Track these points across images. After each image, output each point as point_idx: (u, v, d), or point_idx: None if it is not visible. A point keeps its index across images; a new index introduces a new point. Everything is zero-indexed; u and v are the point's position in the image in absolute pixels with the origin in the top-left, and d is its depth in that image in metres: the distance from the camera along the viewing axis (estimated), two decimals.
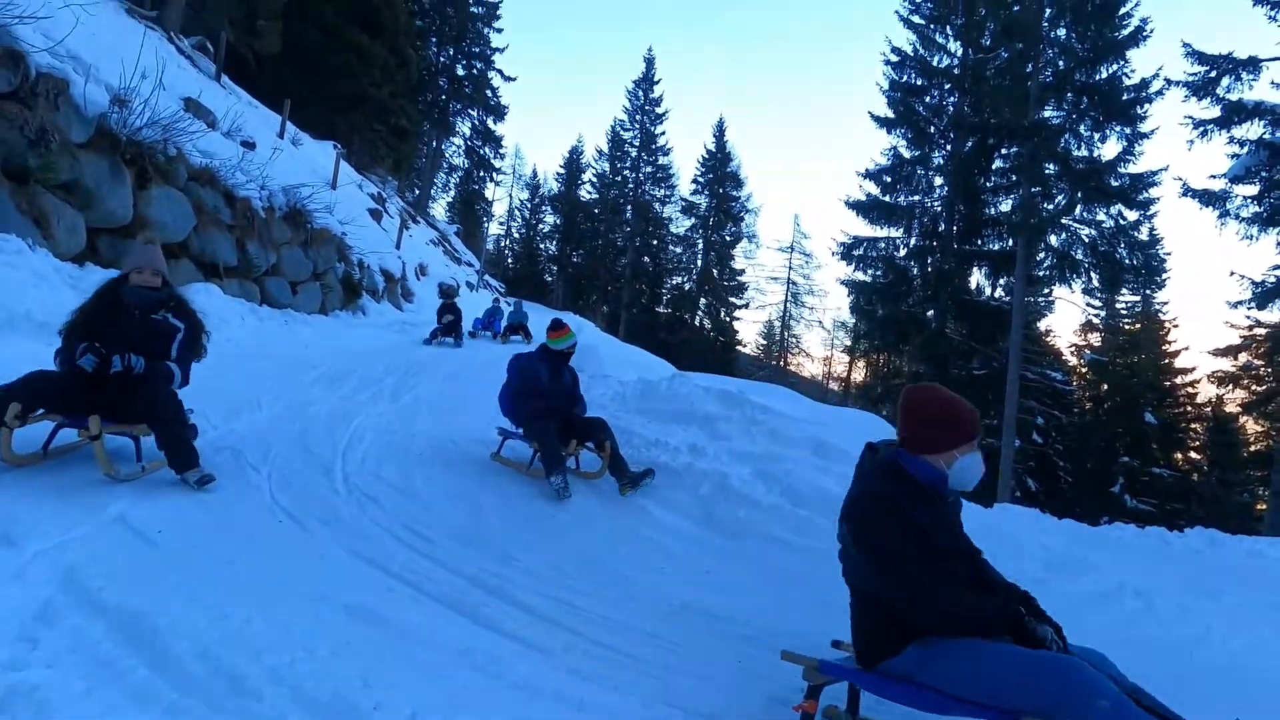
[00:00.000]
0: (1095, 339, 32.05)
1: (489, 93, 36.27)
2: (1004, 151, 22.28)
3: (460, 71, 35.37)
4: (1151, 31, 19.14)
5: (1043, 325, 27.67)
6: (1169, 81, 17.69)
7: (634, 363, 13.33)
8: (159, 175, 7.93)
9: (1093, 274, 20.87)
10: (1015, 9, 21.06)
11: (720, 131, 44.94)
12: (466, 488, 4.82)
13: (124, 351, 3.74)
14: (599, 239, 46.04)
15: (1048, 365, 26.17)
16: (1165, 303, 31.42)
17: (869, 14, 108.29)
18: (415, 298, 16.65)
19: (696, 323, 43.99)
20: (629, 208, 45.04)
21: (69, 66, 6.74)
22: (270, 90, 17.42)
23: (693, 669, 2.78)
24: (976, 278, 23.74)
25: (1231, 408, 26.26)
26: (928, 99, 24.33)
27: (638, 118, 44.79)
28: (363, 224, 14.77)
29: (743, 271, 45.68)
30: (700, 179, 44.78)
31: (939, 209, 23.80)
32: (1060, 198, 20.47)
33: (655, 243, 45.37)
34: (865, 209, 24.00)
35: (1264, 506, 19.93)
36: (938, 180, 23.96)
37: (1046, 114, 20.53)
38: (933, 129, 24.08)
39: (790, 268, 47.45)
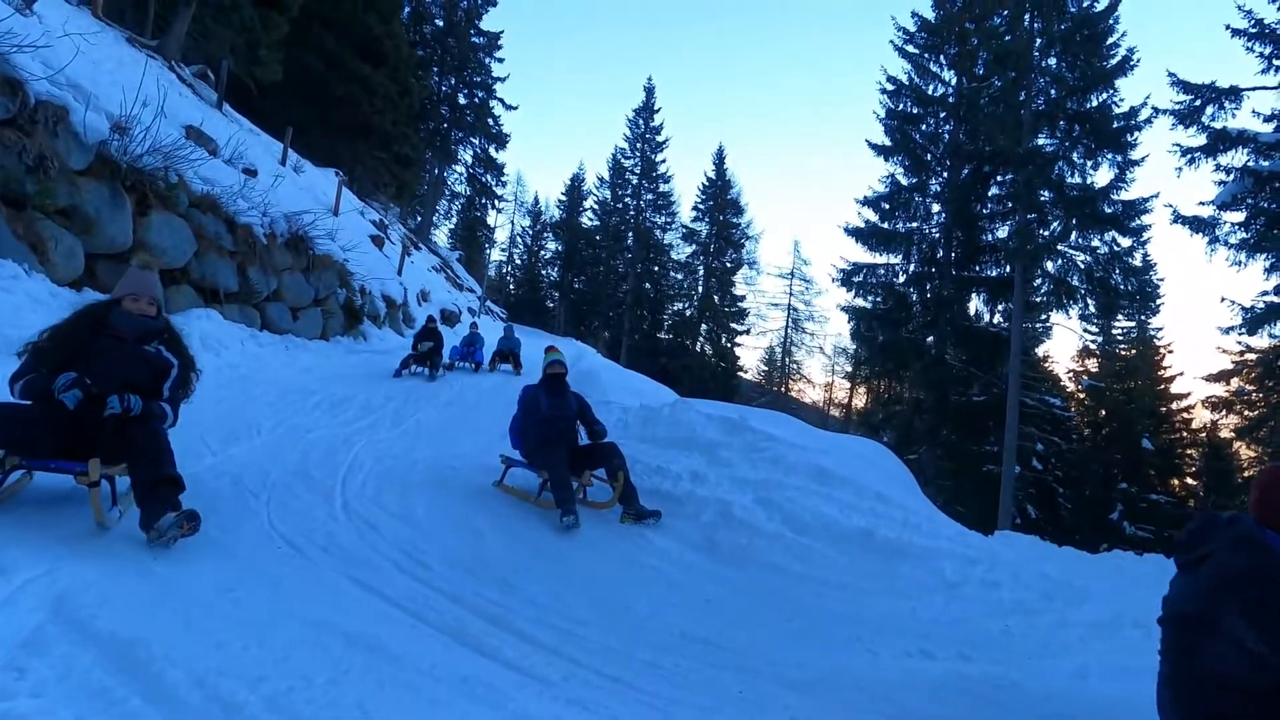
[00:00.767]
0: (1093, 365, 32.08)
1: (490, 121, 36.60)
2: (999, 178, 22.52)
3: (462, 100, 35.73)
4: (1138, 61, 19.50)
5: (1041, 351, 27.72)
6: (1156, 110, 17.95)
7: (635, 389, 13.31)
8: (160, 202, 7.98)
9: (1089, 300, 21.00)
10: (1007, 39, 21.40)
11: (720, 159, 45.35)
12: (466, 515, 4.80)
13: (115, 387, 3.32)
14: (600, 265, 46.24)
15: (1046, 391, 26.19)
16: (1160, 328, 31.58)
17: (865, 43, 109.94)
18: (416, 323, 16.67)
19: (698, 349, 44.01)
20: (630, 234, 45.29)
21: (69, 94, 6.81)
22: (272, 118, 17.59)
23: (693, 699, 2.75)
24: (975, 304, 23.86)
25: (1226, 433, 26.22)
26: (924, 127, 24.58)
27: (638, 146, 45.20)
28: (365, 250, 14.83)
29: (743, 298, 45.82)
30: (701, 206, 45.09)
31: (937, 235, 23.95)
32: (1055, 224, 20.65)
33: (656, 269, 45.56)
34: (864, 236, 24.14)
35: None
36: (935, 207, 24.14)
37: (1040, 142, 20.79)
38: (929, 156, 24.31)
39: (791, 294, 47.63)
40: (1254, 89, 16.12)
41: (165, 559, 2.98)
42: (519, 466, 5.55)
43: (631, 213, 45.35)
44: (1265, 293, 16.94)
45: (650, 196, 45.34)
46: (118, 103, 7.54)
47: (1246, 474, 26.25)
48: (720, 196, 44.72)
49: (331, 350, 11.19)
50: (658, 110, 45.06)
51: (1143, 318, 30.13)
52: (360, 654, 2.41)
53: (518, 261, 54.50)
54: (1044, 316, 23.17)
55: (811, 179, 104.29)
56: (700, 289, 45.13)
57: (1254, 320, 16.80)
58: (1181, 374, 31.78)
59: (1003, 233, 22.71)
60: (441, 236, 41.56)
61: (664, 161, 45.34)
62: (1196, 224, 16.56)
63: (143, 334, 3.60)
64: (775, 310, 47.91)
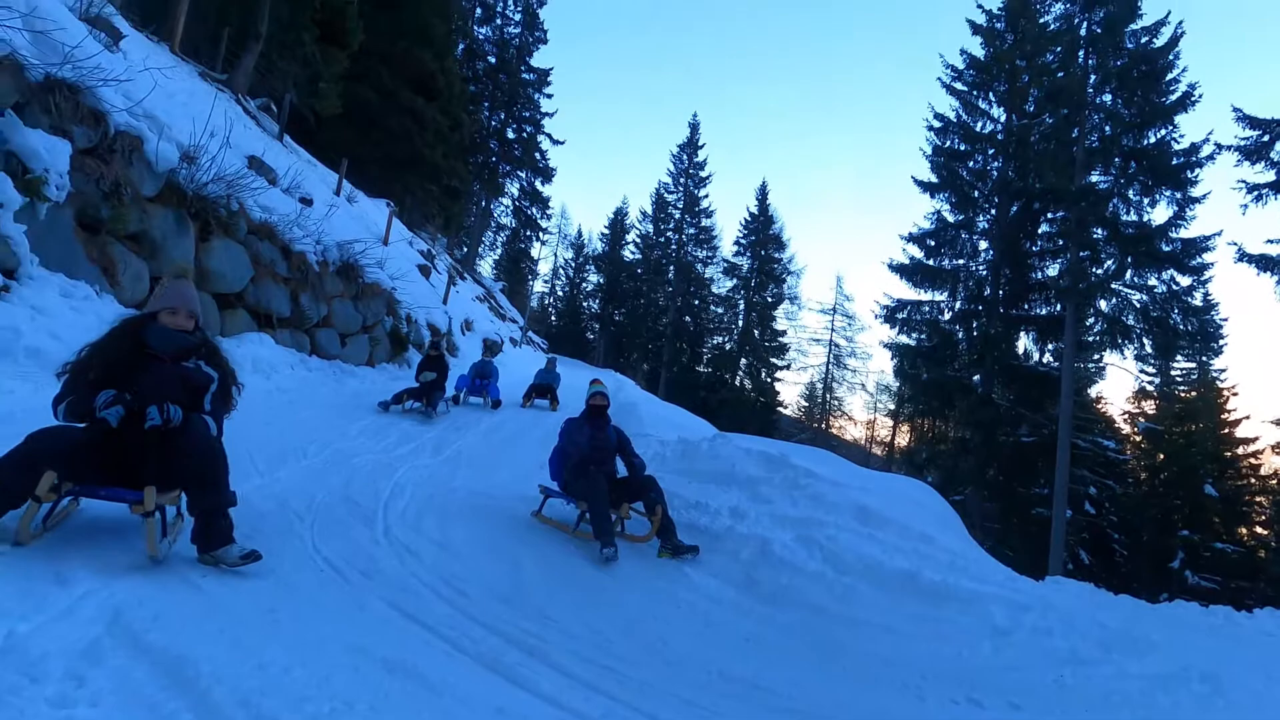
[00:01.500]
0: (1150, 407, 31.05)
1: (537, 155, 37.39)
2: (1050, 215, 22.15)
3: (510, 135, 36.61)
4: (1200, 96, 19.10)
5: (1093, 392, 27.00)
6: (1220, 146, 17.56)
7: (674, 422, 13.27)
8: (221, 228, 8.29)
9: (1145, 340, 20.42)
10: (1059, 75, 21.18)
11: (763, 194, 45.59)
12: (505, 544, 4.81)
13: (158, 402, 3.17)
14: (641, 298, 46.58)
15: (1100, 433, 25.38)
16: (1223, 370, 30.50)
17: (912, 80, 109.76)
18: (460, 352, 16.91)
19: (737, 383, 43.82)
20: (671, 268, 45.61)
21: (144, 125, 7.16)
22: (329, 149, 18.23)
23: None
24: (1024, 342, 23.38)
25: None
26: (971, 163, 24.38)
27: (681, 180, 45.70)
28: (412, 279, 15.16)
29: (784, 332, 45.66)
30: (743, 240, 45.28)
31: (984, 273, 23.60)
32: (1110, 262, 20.18)
33: (697, 302, 45.71)
34: (909, 272, 23.92)
35: None
36: (982, 244, 23.84)
37: (1093, 179, 20.42)
38: (977, 193, 24.06)
39: (832, 329, 47.29)
40: None
41: (214, 576, 3.04)
42: (556, 497, 5.56)
43: (673, 246, 45.72)
44: None
45: (692, 231, 45.70)
46: (188, 133, 7.89)
47: None
48: (762, 231, 44.83)
49: (377, 376, 11.39)
50: (702, 146, 45.65)
51: (1204, 359, 29.17)
52: (399, 680, 2.41)
53: (559, 293, 55.22)
54: (1097, 356, 22.61)
55: (855, 215, 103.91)
56: (740, 323, 45.11)
57: None
58: (1248, 417, 30.50)
59: (1053, 270, 22.33)
60: (486, 267, 42.37)
61: (706, 196, 45.82)
62: (1264, 262, 16.05)
63: (180, 351, 3.43)
64: (816, 346, 47.62)
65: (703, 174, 45.51)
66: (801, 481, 6.44)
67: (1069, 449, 19.64)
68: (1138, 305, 20.05)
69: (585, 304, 52.08)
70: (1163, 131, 19.54)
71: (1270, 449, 24.18)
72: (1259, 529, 27.55)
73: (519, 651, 3.09)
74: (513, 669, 2.87)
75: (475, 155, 33.44)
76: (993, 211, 23.66)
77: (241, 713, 1.98)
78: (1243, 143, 16.22)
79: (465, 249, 36.05)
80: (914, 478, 11.99)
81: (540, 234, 44.08)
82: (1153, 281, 19.79)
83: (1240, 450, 28.32)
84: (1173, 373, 30.63)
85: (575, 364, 31.18)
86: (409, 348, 13.62)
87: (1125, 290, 20.10)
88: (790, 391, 56.97)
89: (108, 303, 6.38)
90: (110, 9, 8.98)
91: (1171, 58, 19.49)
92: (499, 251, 45.97)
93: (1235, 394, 29.93)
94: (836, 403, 49.17)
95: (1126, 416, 31.57)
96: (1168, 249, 19.23)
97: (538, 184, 38.80)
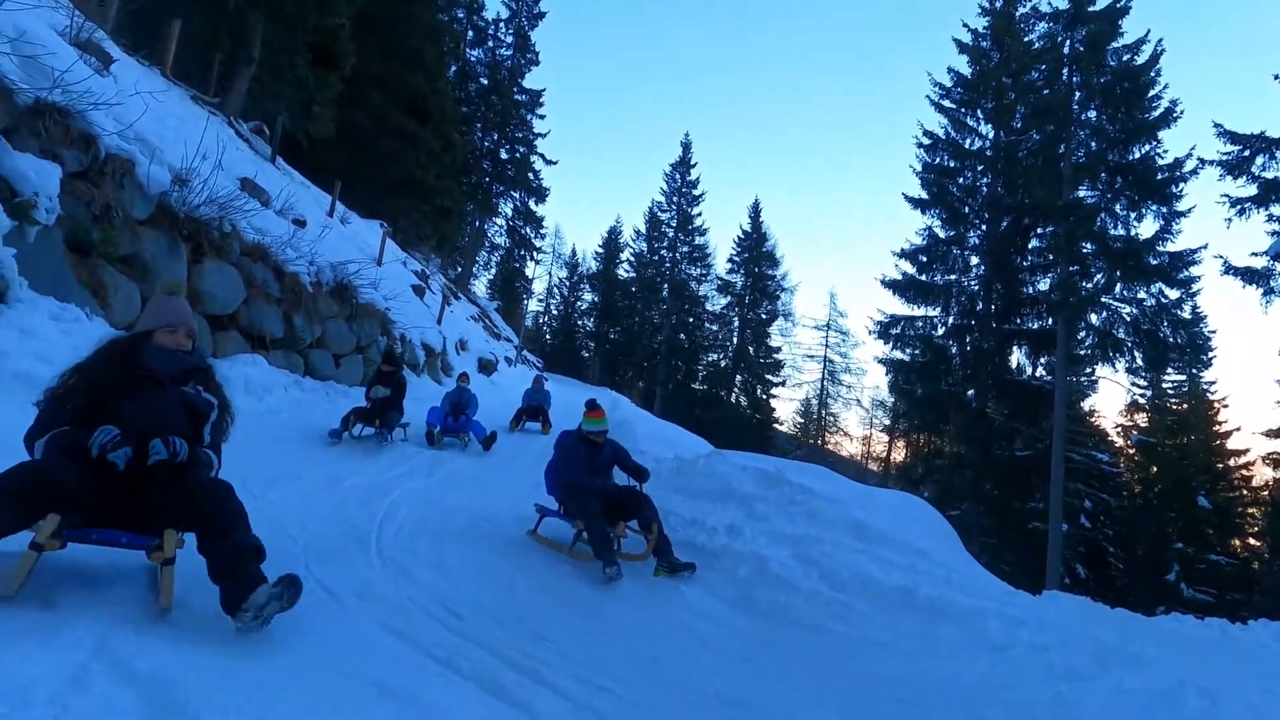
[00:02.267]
0: (1142, 419, 31.14)
1: (531, 175, 37.53)
2: (1040, 231, 22.35)
3: (504, 155, 36.75)
4: (1182, 112, 19.41)
5: (1086, 405, 27.04)
6: (1202, 161, 17.81)
7: (669, 439, 13.25)
8: (213, 250, 8.29)
9: (1136, 353, 20.56)
10: (1045, 93, 21.46)
11: (756, 212, 45.85)
12: (499, 565, 4.78)
13: (160, 433, 2.83)
14: (636, 316, 46.65)
15: (1093, 446, 25.44)
16: (1213, 382, 30.63)
17: (900, 98, 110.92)
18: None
19: (732, 400, 43.83)
20: (666, 286, 45.73)
21: (136, 148, 7.17)
22: (322, 171, 18.28)
23: None
24: (1017, 357, 23.53)
25: None
26: (961, 180, 24.63)
27: (675, 199, 45.96)
28: (406, 300, 15.16)
29: (779, 349, 45.77)
30: (736, 258, 45.47)
31: (976, 288, 23.75)
32: (1099, 276, 20.35)
33: (691, 320, 45.81)
34: (902, 288, 24.06)
35: None
36: (974, 259, 24.04)
37: (1081, 194, 20.64)
38: (967, 209, 24.28)
39: (827, 346, 47.45)
40: None
41: (201, 594, 2.98)
42: (552, 516, 5.53)
43: (667, 265, 45.89)
44: None
45: (686, 249, 45.91)
46: (179, 156, 7.91)
47: None
48: (756, 249, 45.07)
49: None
50: (694, 164, 45.93)
51: (1194, 371, 29.29)
52: (391, 703, 2.39)
53: (554, 312, 55.29)
54: (1089, 370, 22.73)
55: (848, 231, 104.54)
56: (735, 340, 45.22)
57: None
58: (1239, 429, 30.62)
59: (1044, 285, 22.50)
60: (480, 287, 42.37)
61: (700, 214, 46.11)
62: (1249, 275, 16.24)
63: (181, 373, 3.06)
64: (811, 362, 47.74)
65: (695, 192, 45.80)
66: (798, 498, 6.43)
67: (1063, 463, 19.69)
68: (1128, 318, 20.20)
69: (580, 323, 52.13)
70: (1147, 147, 19.83)
71: (1261, 460, 24.28)
72: (1252, 540, 27.60)
73: (514, 672, 3.06)
74: (507, 690, 2.84)
75: (468, 176, 33.56)
76: (983, 227, 23.86)
77: None
78: (1225, 157, 16.46)
79: (459, 269, 36.06)
80: (910, 493, 11.98)
81: (534, 253, 44.17)
82: (1142, 295, 19.98)
83: (1232, 462, 28.43)
84: (1164, 385, 30.75)
85: (571, 382, 31.12)
86: (404, 368, 13.59)
87: (1115, 304, 20.29)
88: (786, 408, 56.99)
89: (99, 325, 6.35)
90: (101, 34, 9.03)
91: (1153, 74, 19.81)
92: (493, 271, 46.04)
93: (1225, 406, 30.17)
94: (832, 419, 49.30)
95: (1119, 429, 31.69)
96: (1155, 262, 19.43)
97: (531, 204, 38.92)
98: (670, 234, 46.01)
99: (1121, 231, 20.21)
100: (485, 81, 35.85)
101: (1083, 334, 20.78)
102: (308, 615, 3.21)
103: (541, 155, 37.55)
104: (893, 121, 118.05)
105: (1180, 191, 19.26)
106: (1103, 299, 20.13)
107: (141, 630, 2.53)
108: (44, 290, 6.02)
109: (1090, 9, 20.79)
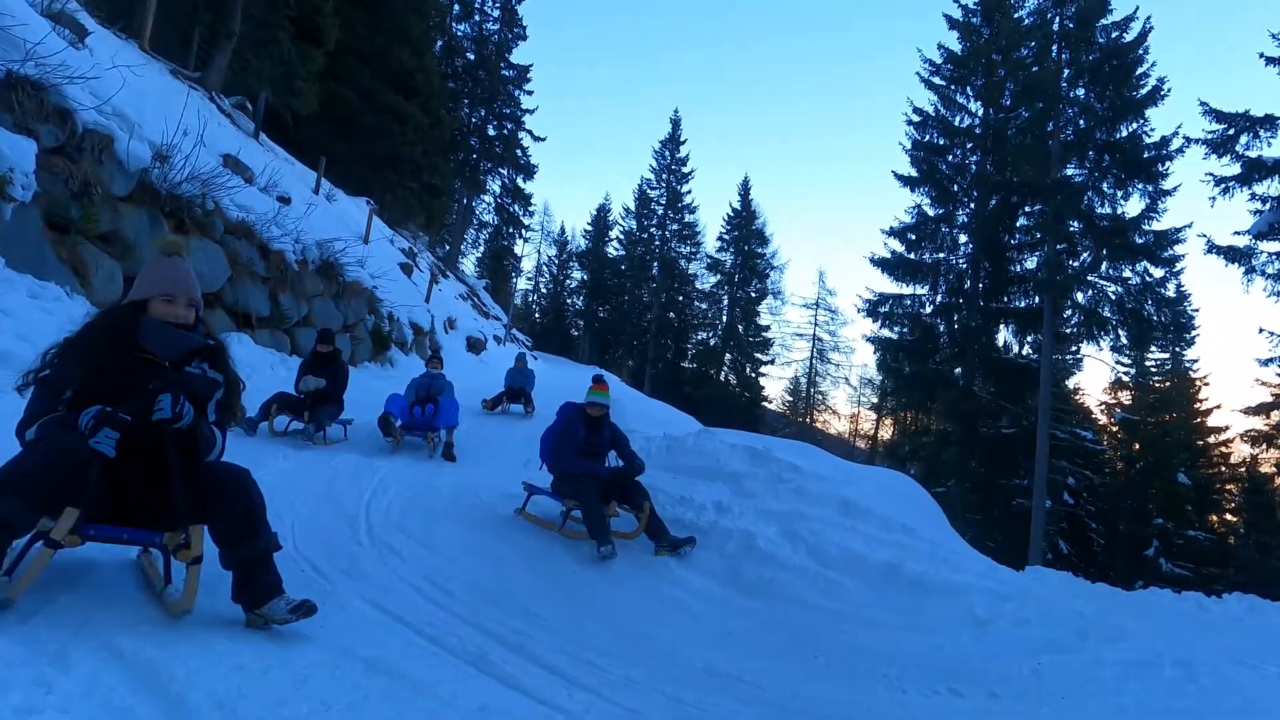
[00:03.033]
0: (1125, 397, 31.46)
1: (519, 152, 37.20)
2: (1027, 209, 22.38)
3: (491, 132, 36.38)
4: (1169, 91, 19.41)
5: (1071, 383, 27.31)
6: (1188, 139, 17.85)
7: (659, 418, 13.29)
8: (196, 227, 8.18)
9: (1120, 331, 20.72)
10: (1034, 70, 21.40)
11: (745, 190, 45.74)
12: (488, 542, 4.79)
13: (173, 396, 2.50)
14: (625, 295, 46.59)
15: (1078, 424, 25.72)
16: (1195, 360, 30.93)
17: (891, 75, 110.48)
18: (444, 350, 16.83)
19: (722, 378, 43.95)
20: (655, 264, 45.64)
21: (114, 124, 7.04)
22: (307, 148, 18.03)
23: None
24: (1004, 335, 23.64)
25: (1266, 468, 25.48)
26: (950, 157, 24.59)
27: (664, 176, 45.72)
28: (393, 278, 15.05)
29: (768, 327, 45.87)
30: (726, 236, 45.42)
31: (964, 266, 23.82)
32: (1085, 255, 20.45)
33: (681, 299, 45.80)
34: (890, 266, 24.09)
35: None
36: (962, 238, 24.09)
37: (1069, 172, 20.68)
38: (956, 187, 24.27)
39: (816, 324, 47.50)
40: None
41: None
42: (541, 494, 5.54)
43: (657, 243, 45.75)
44: None
45: (675, 227, 45.75)
46: (160, 132, 7.78)
47: None
48: (745, 227, 44.97)
49: (359, 376, 11.27)
50: (683, 141, 45.67)
51: (1177, 349, 29.58)
52: (379, 680, 2.39)
53: (543, 290, 55.07)
54: (1075, 348, 22.88)
55: (837, 209, 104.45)
56: (724, 319, 45.26)
57: None
58: (1219, 407, 30.99)
59: (1032, 263, 22.59)
60: (469, 265, 42.14)
61: (689, 192, 45.89)
62: (1232, 254, 16.34)
63: (184, 353, 2.68)
64: (800, 340, 47.82)
65: (685, 170, 45.59)
66: (785, 475, 6.47)
67: (1048, 440, 19.89)
68: (1113, 297, 20.33)
69: (569, 301, 52.00)
70: (1134, 125, 19.81)
71: (1239, 437, 24.62)
72: (1229, 516, 28.09)
73: (504, 649, 3.08)
74: (497, 667, 2.86)
75: (456, 153, 33.22)
76: (971, 205, 23.88)
77: (217, 715, 1.95)
78: (1210, 136, 16.49)
79: (447, 247, 35.80)
80: (896, 470, 12.09)
81: (523, 231, 43.92)
82: (1127, 273, 20.09)
83: (1211, 439, 28.80)
84: (1147, 363, 31.03)
85: (560, 361, 31.13)
86: (391, 346, 13.53)
87: (1101, 282, 20.40)
88: (774, 386, 57.34)
89: (79, 303, 6.28)
90: (74, 4, 8.82)
91: (1141, 52, 19.77)
92: (481, 249, 45.70)
93: (1207, 384, 30.44)
94: (820, 397, 49.46)
95: (1103, 407, 31.99)
96: (1141, 241, 19.52)
97: (519, 181, 38.63)
98: (660, 212, 45.84)
99: (1108, 210, 20.28)
100: (472, 56, 35.39)
101: (1069, 312, 20.90)
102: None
103: (529, 131, 37.24)
104: (883, 98, 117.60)
105: (1166, 170, 19.32)
106: (1089, 277, 20.24)
107: (126, 608, 2.52)
108: (22, 268, 5.93)
109: None
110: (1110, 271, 20.19)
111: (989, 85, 23.72)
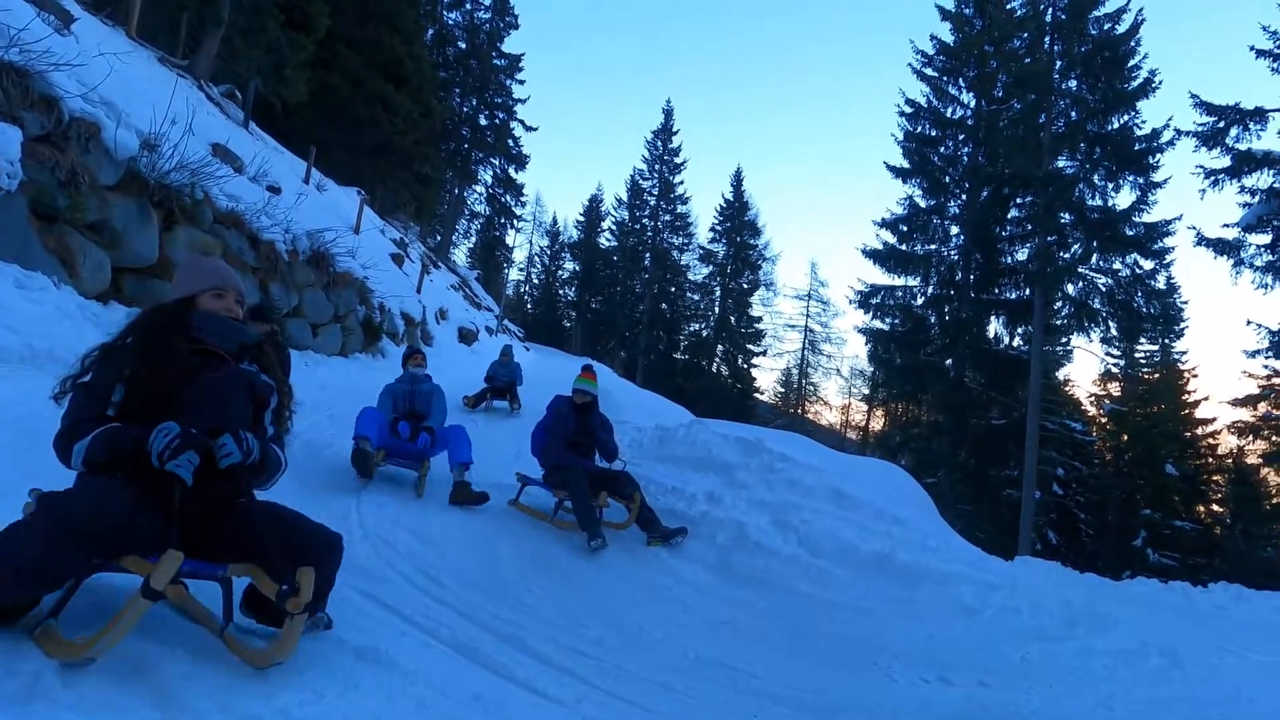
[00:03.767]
0: (1115, 389, 31.68)
1: (510, 142, 37.03)
2: (1019, 201, 22.44)
3: (483, 121, 36.19)
4: (1160, 83, 19.46)
5: (1061, 375, 27.47)
6: (1179, 132, 17.93)
7: (651, 409, 13.31)
8: (185, 217, 8.10)
9: (1110, 323, 20.83)
10: (1027, 61, 21.42)
11: (738, 181, 45.60)
12: (482, 533, 4.79)
13: (230, 427, 2.25)
14: (617, 285, 46.51)
15: (1067, 415, 25.89)
16: (1184, 352, 31.17)
17: (883, 66, 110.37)
18: (435, 341, 16.78)
19: (714, 369, 44.00)
20: (647, 255, 45.55)
21: (101, 112, 6.95)
22: (297, 137, 17.91)
23: None
24: (994, 326, 23.73)
25: (1253, 459, 25.76)
26: (942, 149, 24.61)
27: (656, 167, 45.58)
28: (385, 268, 14.96)
29: (760, 319, 45.87)
30: (718, 227, 45.32)
31: (956, 258, 23.88)
32: (1076, 247, 20.54)
33: (673, 290, 45.75)
34: (882, 258, 24.12)
35: None
36: (954, 229, 24.12)
37: (1060, 164, 20.73)
38: (948, 179, 24.31)
39: (808, 315, 47.54)
40: (1279, 110, 16.00)
41: None
42: (535, 485, 5.55)
43: (649, 233, 45.65)
44: None
45: (668, 218, 45.67)
46: (148, 120, 7.69)
47: (1275, 501, 25.74)
48: (738, 218, 44.93)
49: (350, 366, 11.26)
50: (676, 132, 45.52)
51: (1166, 341, 29.81)
52: (371, 668, 2.40)
53: (535, 281, 54.95)
54: (1065, 340, 22.99)
55: (829, 201, 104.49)
56: (717, 310, 45.26)
57: None
58: (1206, 398, 31.24)
59: (1022, 255, 22.66)
60: (460, 255, 41.97)
61: (682, 183, 45.79)
62: (1221, 246, 16.45)
63: (242, 349, 2.47)
64: (792, 332, 47.87)
65: (677, 160, 45.44)
66: (777, 466, 6.50)
67: (1038, 431, 20.01)
68: (1103, 289, 20.43)
69: (561, 292, 51.86)
70: (1125, 117, 19.88)
71: (1227, 429, 24.85)
72: (1215, 507, 28.37)
73: (495, 639, 3.10)
74: (489, 656, 2.87)
75: (447, 142, 33.05)
76: (963, 196, 23.92)
77: (209, 705, 1.96)
78: (1200, 128, 16.55)
79: (439, 237, 35.66)
80: (888, 461, 12.14)
81: (515, 221, 43.76)
82: (1117, 265, 20.19)
83: (1199, 430, 29.03)
84: (1137, 355, 31.25)
85: (553, 352, 31.06)
86: (383, 337, 13.48)
87: (1091, 274, 20.48)
88: (766, 377, 57.33)
89: (67, 294, 6.22)
90: None
91: (1133, 44, 19.77)
92: (473, 239, 45.52)
93: (1195, 375, 30.66)
94: (812, 388, 49.58)
95: (1093, 399, 32.21)
96: (1131, 233, 19.61)
97: (511, 171, 38.45)
98: (652, 202, 45.72)
99: (1099, 202, 20.35)
100: (463, 45, 35.15)
101: (1059, 304, 20.99)
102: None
103: (521, 121, 37.06)
104: (876, 89, 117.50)
105: (1157, 162, 19.40)
106: (1079, 269, 20.32)
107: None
108: (8, 257, 5.87)
109: None
110: (1100, 263, 20.28)
111: (981, 76, 23.73)
